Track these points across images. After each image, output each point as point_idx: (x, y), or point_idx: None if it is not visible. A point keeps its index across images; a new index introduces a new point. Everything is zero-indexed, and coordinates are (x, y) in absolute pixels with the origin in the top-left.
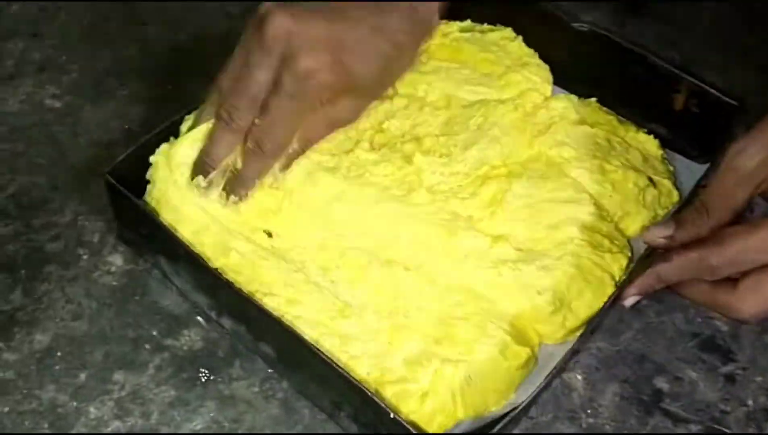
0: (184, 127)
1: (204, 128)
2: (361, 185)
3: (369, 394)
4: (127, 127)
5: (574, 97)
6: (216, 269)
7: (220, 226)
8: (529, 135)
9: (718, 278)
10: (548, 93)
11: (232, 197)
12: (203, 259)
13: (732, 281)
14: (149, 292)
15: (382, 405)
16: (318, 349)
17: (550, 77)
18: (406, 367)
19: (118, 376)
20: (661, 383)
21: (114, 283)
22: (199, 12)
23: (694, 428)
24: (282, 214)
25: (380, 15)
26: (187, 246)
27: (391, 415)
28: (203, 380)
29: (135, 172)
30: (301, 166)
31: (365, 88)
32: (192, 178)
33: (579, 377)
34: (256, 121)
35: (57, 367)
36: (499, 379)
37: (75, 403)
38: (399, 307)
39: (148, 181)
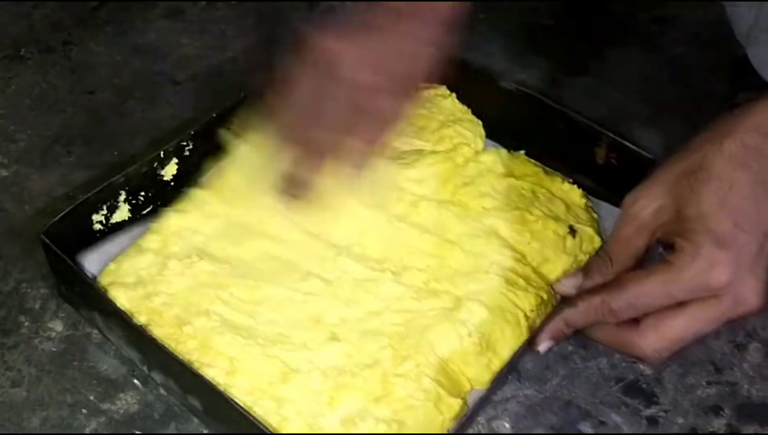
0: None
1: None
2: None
3: None
4: (71, 193)
5: (503, 151)
6: (141, 326)
7: (184, 300)
8: (452, 186)
9: (621, 320)
10: (480, 147)
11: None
12: (129, 316)
13: (636, 321)
14: (88, 357)
15: None
16: (236, 402)
17: (482, 132)
18: (341, 426)
19: None
20: (586, 428)
21: (54, 349)
22: (146, 79)
23: None
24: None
25: (403, 20)
26: (114, 303)
27: None
28: None
29: (72, 232)
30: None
31: (400, 87)
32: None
33: (507, 425)
34: (311, 131)
35: None
36: (434, 432)
37: None
38: (348, 366)
39: (96, 233)
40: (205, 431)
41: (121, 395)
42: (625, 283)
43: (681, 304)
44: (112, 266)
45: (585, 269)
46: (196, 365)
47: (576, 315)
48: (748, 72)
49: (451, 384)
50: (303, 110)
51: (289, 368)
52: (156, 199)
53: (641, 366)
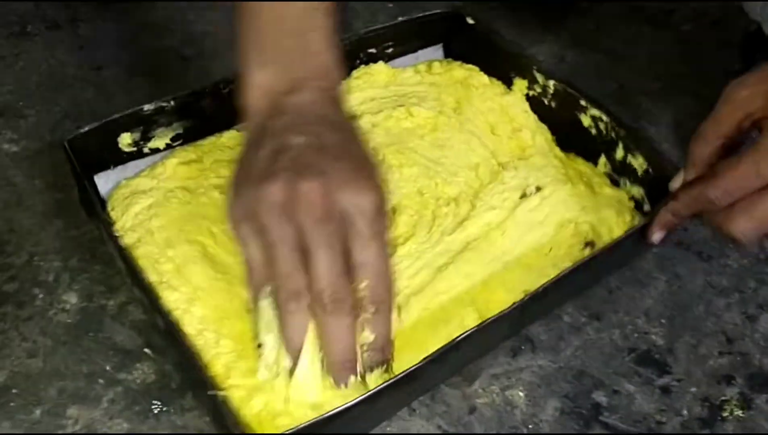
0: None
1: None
2: None
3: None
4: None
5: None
6: (118, 239)
7: (178, 227)
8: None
9: (720, 208)
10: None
11: (350, 380)
12: (113, 232)
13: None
14: (103, 328)
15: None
16: (178, 328)
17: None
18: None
19: (72, 411)
20: (600, 397)
21: (69, 321)
22: (154, 55)
23: None
24: None
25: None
26: (104, 217)
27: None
28: (156, 412)
29: (96, 149)
30: None
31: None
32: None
33: (521, 394)
34: (315, 286)
35: (12, 404)
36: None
37: None
38: None
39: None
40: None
41: (138, 365)
42: (718, 171)
43: None
44: (123, 182)
45: (686, 159)
46: (164, 286)
47: (679, 206)
48: (760, 47)
49: None
50: (295, 269)
51: (247, 308)
52: (196, 131)
53: (653, 337)
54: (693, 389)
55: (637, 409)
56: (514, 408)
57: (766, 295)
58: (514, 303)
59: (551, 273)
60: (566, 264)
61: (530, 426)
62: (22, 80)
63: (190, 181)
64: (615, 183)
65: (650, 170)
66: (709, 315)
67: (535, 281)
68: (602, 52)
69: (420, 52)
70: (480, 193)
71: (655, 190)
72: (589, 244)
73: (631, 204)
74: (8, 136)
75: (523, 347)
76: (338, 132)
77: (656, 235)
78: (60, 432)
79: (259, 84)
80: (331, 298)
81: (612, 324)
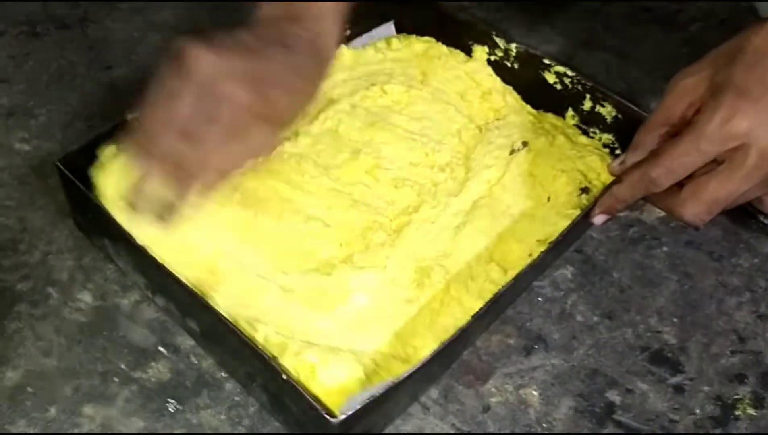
0: (104, 157)
1: (124, 160)
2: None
3: (268, 359)
4: None
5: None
6: (143, 247)
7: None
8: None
9: (663, 188)
10: None
11: (160, 221)
12: (132, 237)
13: (680, 188)
14: (117, 327)
15: (278, 369)
16: (230, 322)
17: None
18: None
19: (87, 409)
20: (613, 396)
21: (83, 320)
22: (163, 55)
23: None
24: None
25: (289, 53)
26: (120, 225)
27: (284, 377)
28: (171, 410)
29: (86, 164)
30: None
31: (278, 117)
32: (128, 207)
33: (535, 393)
34: (178, 146)
35: (28, 403)
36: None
37: None
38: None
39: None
40: (236, 398)
41: (153, 364)
42: (660, 151)
43: (713, 168)
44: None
45: (628, 148)
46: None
47: (623, 189)
48: None
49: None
50: (172, 128)
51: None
52: None
53: (666, 336)
54: (705, 388)
55: (650, 408)
56: (527, 407)
57: None
58: (539, 253)
59: (556, 220)
60: (568, 211)
61: (544, 425)
62: (33, 80)
63: None
64: (585, 133)
65: (619, 116)
66: (721, 314)
67: (541, 229)
68: (610, 52)
69: (374, 31)
70: (471, 155)
71: (625, 136)
72: (584, 190)
73: (606, 150)
74: (20, 135)
75: (536, 346)
76: (282, 49)
77: (598, 218)
78: (76, 431)
79: (263, 9)
80: (145, 135)
81: (624, 323)
